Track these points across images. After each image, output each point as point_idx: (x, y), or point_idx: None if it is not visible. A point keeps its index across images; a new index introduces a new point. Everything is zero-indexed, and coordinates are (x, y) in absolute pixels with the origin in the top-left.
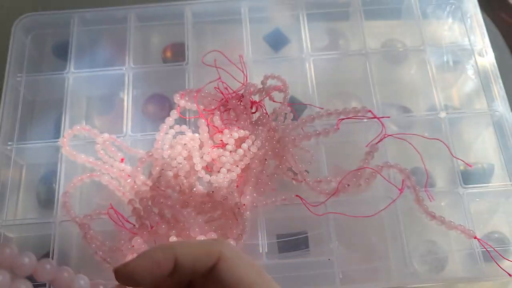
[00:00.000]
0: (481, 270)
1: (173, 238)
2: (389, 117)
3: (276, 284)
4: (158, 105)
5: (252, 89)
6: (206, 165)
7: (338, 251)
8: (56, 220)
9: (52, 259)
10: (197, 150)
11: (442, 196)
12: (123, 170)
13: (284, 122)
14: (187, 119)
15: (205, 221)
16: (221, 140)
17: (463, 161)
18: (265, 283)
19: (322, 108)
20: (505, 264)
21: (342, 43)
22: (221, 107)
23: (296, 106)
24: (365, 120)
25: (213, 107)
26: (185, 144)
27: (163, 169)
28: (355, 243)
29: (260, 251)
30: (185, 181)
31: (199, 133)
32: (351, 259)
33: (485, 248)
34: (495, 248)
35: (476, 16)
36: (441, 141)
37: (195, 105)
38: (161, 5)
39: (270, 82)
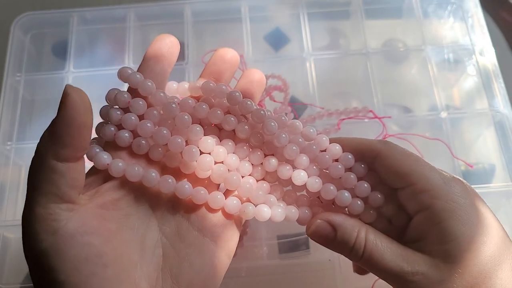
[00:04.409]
0: None
1: None
2: (390, 117)
3: (435, 170)
4: None
5: None
6: None
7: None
8: None
9: None
10: None
11: None
12: None
13: None
14: None
15: None
16: None
17: (464, 162)
18: (421, 170)
19: (323, 108)
20: None
21: (342, 42)
22: None
23: (296, 106)
24: (366, 120)
25: None
26: None
27: None
28: None
29: (261, 251)
30: None
31: None
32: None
33: None
34: None
35: (477, 16)
36: (441, 141)
37: None
38: (161, 4)
39: (270, 81)
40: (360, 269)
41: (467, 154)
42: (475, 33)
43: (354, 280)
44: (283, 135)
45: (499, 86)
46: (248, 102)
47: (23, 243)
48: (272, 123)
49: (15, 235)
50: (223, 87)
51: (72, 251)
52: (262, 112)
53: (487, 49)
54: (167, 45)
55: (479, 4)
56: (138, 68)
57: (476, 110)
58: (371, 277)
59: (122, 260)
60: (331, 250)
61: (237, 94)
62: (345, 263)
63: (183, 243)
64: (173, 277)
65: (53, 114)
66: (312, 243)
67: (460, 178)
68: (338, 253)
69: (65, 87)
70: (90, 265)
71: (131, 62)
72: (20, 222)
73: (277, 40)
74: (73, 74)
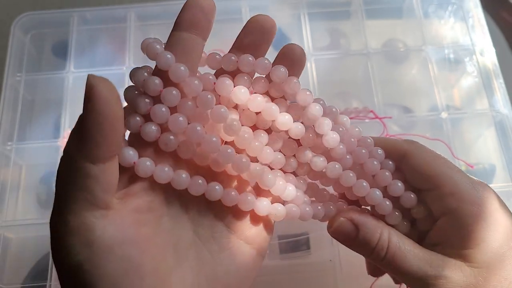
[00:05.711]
0: None
1: None
2: (391, 117)
3: (462, 173)
4: None
5: None
6: None
7: (339, 252)
8: None
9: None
10: None
11: None
12: None
13: None
14: None
15: None
16: None
17: (465, 162)
18: (449, 173)
19: None
20: None
21: (343, 42)
22: None
23: None
24: (367, 120)
25: None
26: None
27: None
28: None
29: None
30: None
31: None
32: (353, 261)
33: None
34: None
35: (478, 16)
36: (442, 141)
37: None
38: (161, 4)
39: None
40: (375, 271)
41: (468, 154)
42: (475, 33)
43: (355, 281)
44: (326, 121)
45: (499, 86)
46: (295, 80)
47: (54, 255)
48: (317, 107)
49: (15, 235)
50: (265, 61)
51: (110, 265)
52: (308, 92)
53: (488, 49)
54: (204, 10)
55: (479, 4)
56: (165, 46)
57: (476, 110)
58: (371, 277)
59: (159, 268)
60: (331, 251)
61: (282, 69)
62: (346, 264)
63: (217, 246)
64: (209, 282)
65: (53, 114)
66: (313, 243)
67: (485, 183)
68: (359, 253)
69: (88, 78)
70: (128, 279)
71: (131, 62)
72: (20, 222)
73: (277, 40)
74: (74, 74)
